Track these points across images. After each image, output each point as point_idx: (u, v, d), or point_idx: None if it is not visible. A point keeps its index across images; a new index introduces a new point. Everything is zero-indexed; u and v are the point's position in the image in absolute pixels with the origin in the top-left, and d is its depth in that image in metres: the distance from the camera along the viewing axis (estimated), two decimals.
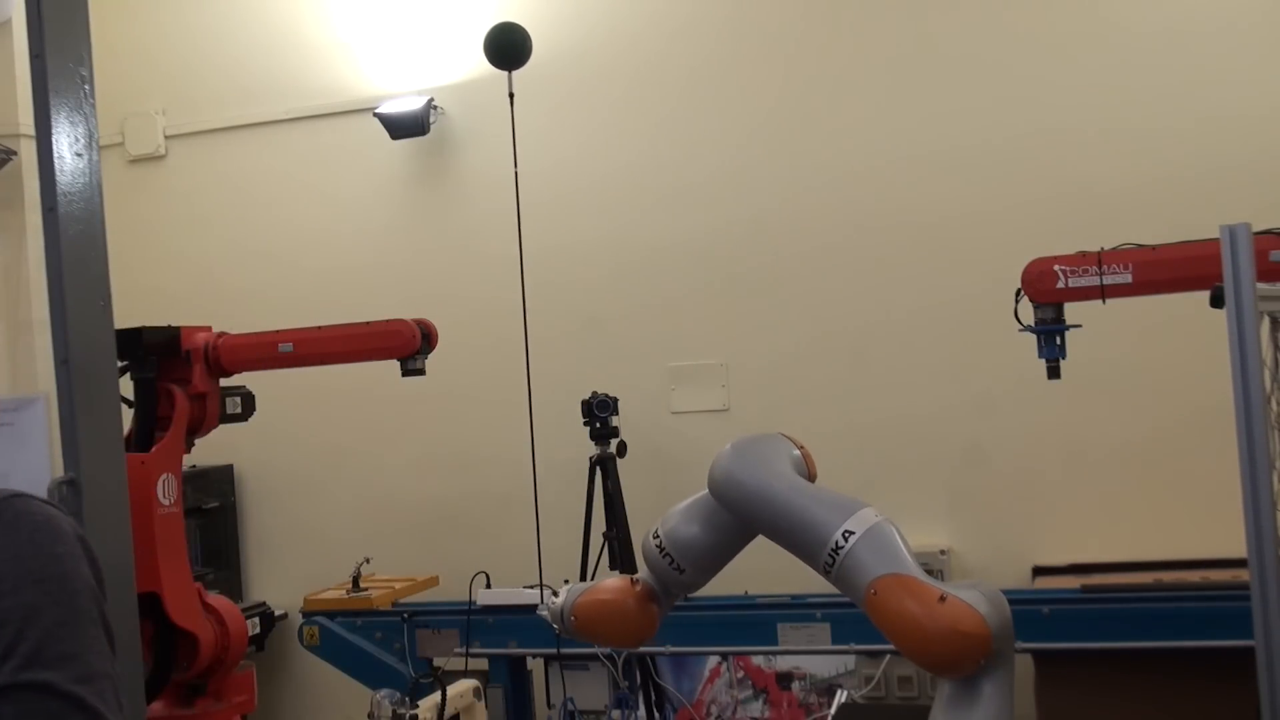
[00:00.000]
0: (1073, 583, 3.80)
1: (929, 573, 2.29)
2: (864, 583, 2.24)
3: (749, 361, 4.82)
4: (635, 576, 2.69)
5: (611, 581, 2.74)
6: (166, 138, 5.64)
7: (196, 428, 3.65)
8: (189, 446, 3.65)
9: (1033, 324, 3.02)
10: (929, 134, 4.63)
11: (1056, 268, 2.94)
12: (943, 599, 2.14)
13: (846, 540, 2.27)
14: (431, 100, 5.14)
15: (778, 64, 4.83)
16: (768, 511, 2.42)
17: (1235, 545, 2.07)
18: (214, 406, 3.68)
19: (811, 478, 2.56)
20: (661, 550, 2.58)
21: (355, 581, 4.41)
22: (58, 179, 1.97)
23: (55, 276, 1.96)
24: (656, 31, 4.97)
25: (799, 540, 2.37)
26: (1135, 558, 4.17)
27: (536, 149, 4.84)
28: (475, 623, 4.02)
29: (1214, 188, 4.23)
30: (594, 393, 4.49)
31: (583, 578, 4.35)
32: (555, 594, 2.79)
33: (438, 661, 4.08)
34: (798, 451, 2.57)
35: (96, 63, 2.06)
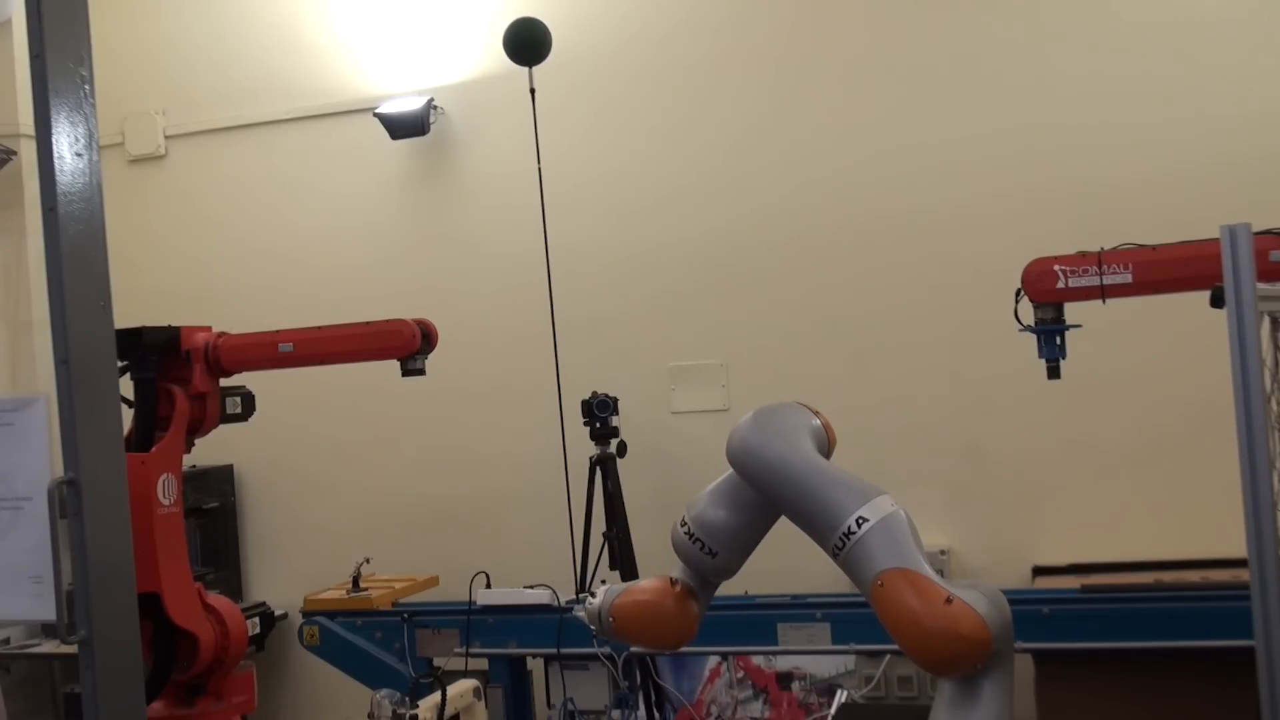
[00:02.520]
0: (1073, 583, 3.80)
1: None
2: (871, 572, 2.22)
3: (749, 361, 4.82)
4: (673, 576, 2.66)
5: (650, 582, 2.70)
6: (166, 138, 5.64)
7: (196, 428, 3.64)
8: (189, 446, 3.65)
9: (1033, 324, 3.02)
10: (929, 134, 4.63)
11: (1056, 268, 2.94)
12: (949, 601, 2.13)
13: (859, 527, 2.25)
14: (431, 100, 5.14)
15: (777, 64, 4.84)
16: (782, 486, 2.40)
17: (1235, 545, 2.07)
18: (214, 406, 3.68)
19: (831, 446, 2.55)
20: (691, 536, 2.55)
21: (355, 581, 4.42)
22: (58, 179, 1.97)
23: (55, 276, 1.95)
24: (654, 33, 4.97)
25: (811, 519, 2.35)
26: (1135, 558, 4.17)
27: (534, 148, 4.84)
28: (475, 623, 4.02)
29: (1214, 188, 4.23)
30: (594, 393, 4.49)
31: (582, 577, 4.36)
32: (593, 594, 2.76)
33: (438, 661, 4.08)
34: (817, 421, 2.55)
35: (96, 63, 2.06)
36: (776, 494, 2.43)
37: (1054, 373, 3.06)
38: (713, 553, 2.54)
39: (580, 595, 4.14)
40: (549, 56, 4.48)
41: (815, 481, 2.35)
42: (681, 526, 2.58)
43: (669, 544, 2.63)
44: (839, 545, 2.28)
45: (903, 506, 2.31)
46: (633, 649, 3.83)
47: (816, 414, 2.56)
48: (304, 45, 5.42)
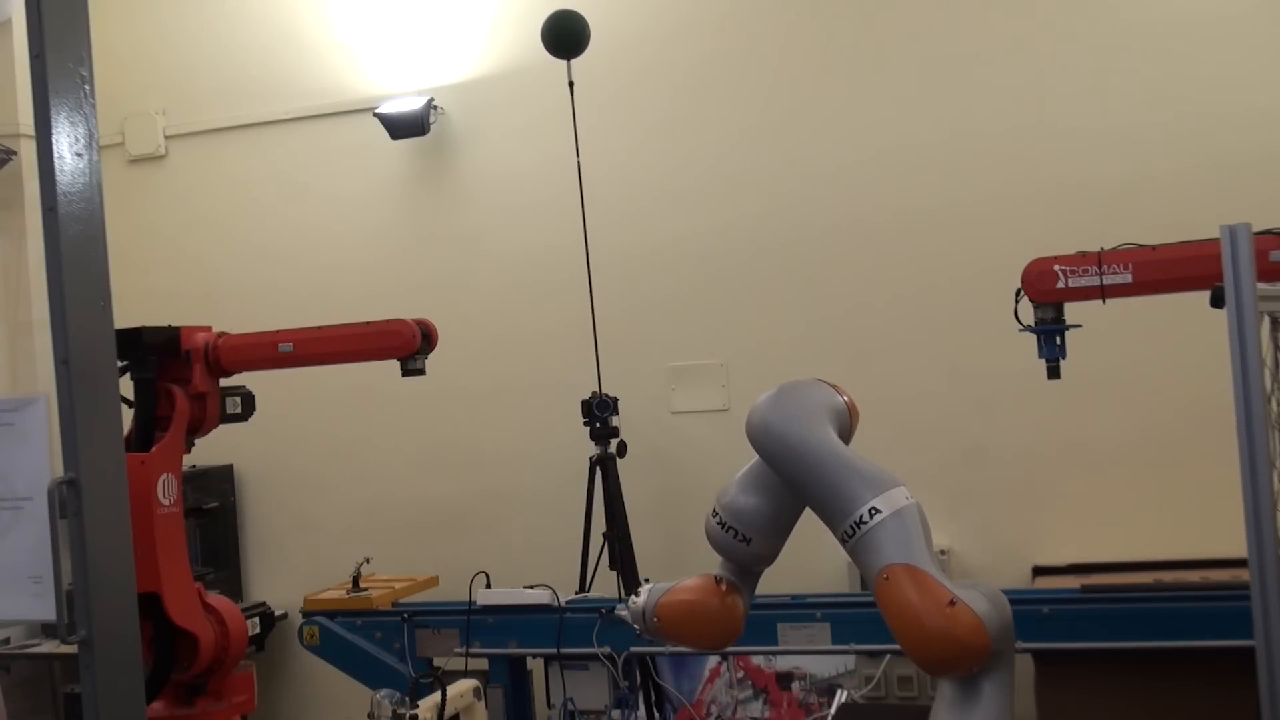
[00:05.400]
0: (1073, 583, 3.80)
1: None
2: (878, 565, 2.22)
3: (749, 361, 4.82)
4: (718, 574, 2.65)
5: (694, 580, 2.68)
6: (166, 138, 5.64)
7: (196, 428, 3.65)
8: (189, 446, 3.66)
9: (1033, 324, 3.02)
10: (930, 134, 4.62)
11: (1056, 268, 2.94)
12: (952, 603, 2.13)
13: (871, 517, 2.24)
14: (431, 100, 5.14)
15: (777, 65, 4.83)
16: (798, 467, 2.39)
17: (1235, 545, 2.07)
18: (214, 406, 3.68)
19: (854, 422, 2.55)
20: (724, 526, 2.54)
21: (355, 581, 4.41)
22: (58, 179, 1.97)
23: (55, 276, 1.95)
24: (651, 34, 4.97)
25: (823, 503, 2.34)
26: (1135, 558, 4.17)
27: (535, 148, 4.85)
28: (475, 623, 4.02)
29: (1214, 187, 4.23)
30: (594, 393, 4.48)
31: (582, 578, 4.35)
32: (636, 594, 2.75)
33: (438, 661, 4.08)
34: (840, 399, 2.54)
35: (96, 63, 2.06)
36: (792, 474, 2.42)
37: (1054, 373, 3.06)
38: (747, 539, 2.52)
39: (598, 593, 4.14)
40: (550, 56, 4.47)
41: (832, 466, 2.34)
42: (714, 517, 2.56)
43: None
44: (849, 533, 2.27)
45: (917, 502, 2.31)
46: (632, 649, 3.83)
47: (839, 391, 2.55)
48: (304, 45, 5.42)
